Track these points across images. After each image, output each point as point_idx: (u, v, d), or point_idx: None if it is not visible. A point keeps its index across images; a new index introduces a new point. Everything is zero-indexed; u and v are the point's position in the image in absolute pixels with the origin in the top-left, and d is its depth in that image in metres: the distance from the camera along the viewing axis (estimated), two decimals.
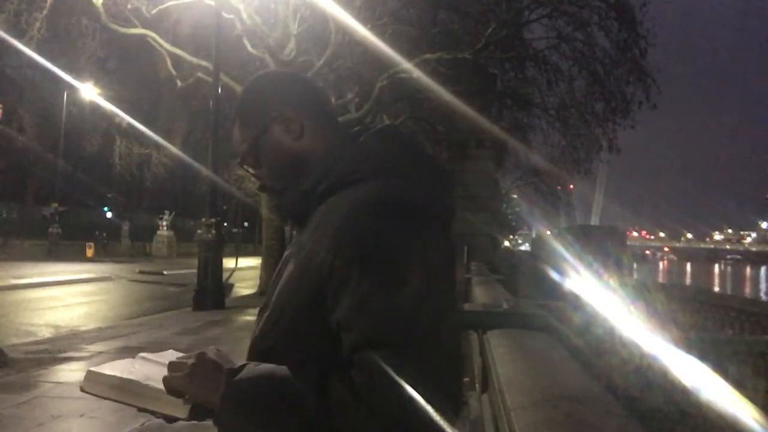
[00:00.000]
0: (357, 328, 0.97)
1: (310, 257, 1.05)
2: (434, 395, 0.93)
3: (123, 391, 1.08)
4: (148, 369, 1.11)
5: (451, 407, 0.95)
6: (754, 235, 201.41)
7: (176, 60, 15.60)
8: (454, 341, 1.04)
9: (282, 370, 1.01)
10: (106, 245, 32.97)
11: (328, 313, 1.00)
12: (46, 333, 9.01)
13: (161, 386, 1.05)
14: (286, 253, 1.18)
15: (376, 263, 0.98)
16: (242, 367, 1.03)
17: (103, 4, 14.18)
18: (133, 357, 1.18)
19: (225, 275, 12.89)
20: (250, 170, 1.24)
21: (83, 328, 9.47)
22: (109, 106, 22.75)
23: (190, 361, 1.05)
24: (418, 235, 1.02)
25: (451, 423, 0.94)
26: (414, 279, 0.98)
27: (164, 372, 1.08)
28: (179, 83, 16.19)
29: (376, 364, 0.93)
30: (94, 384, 1.11)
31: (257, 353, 1.10)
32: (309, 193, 1.14)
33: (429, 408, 0.92)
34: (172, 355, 1.20)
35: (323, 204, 1.10)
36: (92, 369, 1.12)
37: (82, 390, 1.11)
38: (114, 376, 1.09)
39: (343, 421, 0.94)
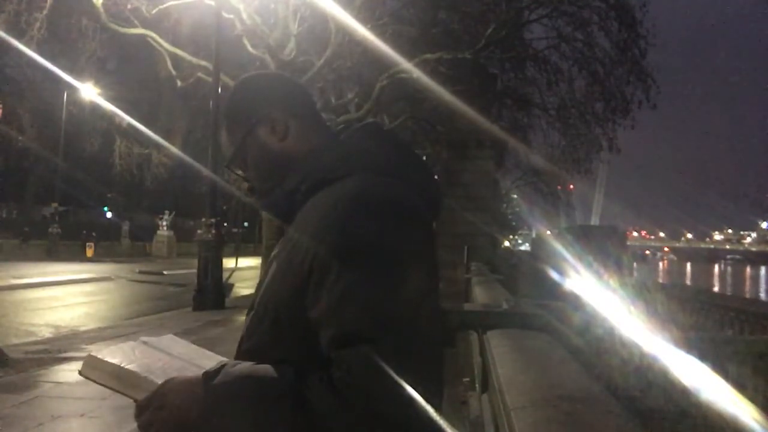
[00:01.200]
0: (335, 323, 0.96)
1: (292, 255, 1.06)
2: (414, 390, 0.92)
3: (121, 381, 1.06)
4: (149, 358, 1.10)
5: (432, 402, 0.94)
6: (754, 235, 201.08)
7: (176, 60, 15.59)
8: (435, 336, 1.03)
9: (260, 369, 1.00)
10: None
11: (308, 310, 1.00)
12: (46, 333, 9.02)
13: (160, 381, 1.04)
14: (273, 253, 1.17)
15: (355, 259, 0.98)
16: (221, 368, 1.02)
17: (103, 4, 14.18)
18: (135, 341, 1.17)
19: (225, 275, 12.90)
20: (239, 173, 1.24)
21: (83, 328, 9.49)
22: (109, 106, 22.72)
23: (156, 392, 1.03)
24: (397, 230, 1.01)
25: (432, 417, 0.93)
26: (393, 274, 0.98)
27: (165, 362, 1.07)
28: (179, 83, 16.20)
29: (355, 360, 0.92)
30: (93, 369, 1.09)
31: (243, 352, 1.10)
32: (293, 192, 1.14)
33: (410, 402, 0.91)
34: (171, 340, 1.20)
35: (307, 202, 1.11)
36: (92, 354, 1.10)
37: (80, 374, 1.10)
38: (113, 364, 1.08)
39: (323, 418, 0.93)
